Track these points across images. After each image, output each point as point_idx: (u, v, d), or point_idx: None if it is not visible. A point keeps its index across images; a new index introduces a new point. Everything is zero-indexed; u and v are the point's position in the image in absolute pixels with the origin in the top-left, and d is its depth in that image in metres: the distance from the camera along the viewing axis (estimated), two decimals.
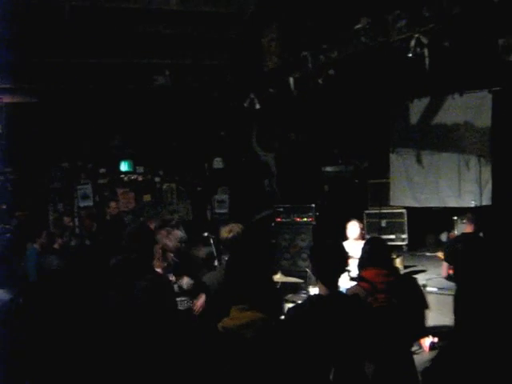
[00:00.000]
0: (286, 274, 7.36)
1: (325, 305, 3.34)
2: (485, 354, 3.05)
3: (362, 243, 7.24)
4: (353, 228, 7.36)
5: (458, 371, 3.12)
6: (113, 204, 9.93)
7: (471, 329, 3.35)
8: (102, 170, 11.47)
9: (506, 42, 6.37)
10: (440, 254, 7.13)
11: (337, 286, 3.47)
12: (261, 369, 3.12)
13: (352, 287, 4.41)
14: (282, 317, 3.80)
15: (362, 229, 7.50)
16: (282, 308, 5.61)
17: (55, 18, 7.57)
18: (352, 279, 5.57)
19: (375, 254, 4.48)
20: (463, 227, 7.70)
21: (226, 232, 4.69)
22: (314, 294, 3.62)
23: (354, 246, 7.16)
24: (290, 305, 5.73)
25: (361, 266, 4.50)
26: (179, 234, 6.10)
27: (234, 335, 3.19)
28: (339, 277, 3.49)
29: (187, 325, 4.68)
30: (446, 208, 9.69)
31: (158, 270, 5.00)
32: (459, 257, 5.89)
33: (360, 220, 7.91)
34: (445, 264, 6.54)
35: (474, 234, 6.42)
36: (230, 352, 3.15)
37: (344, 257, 3.55)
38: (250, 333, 3.18)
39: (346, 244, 7.29)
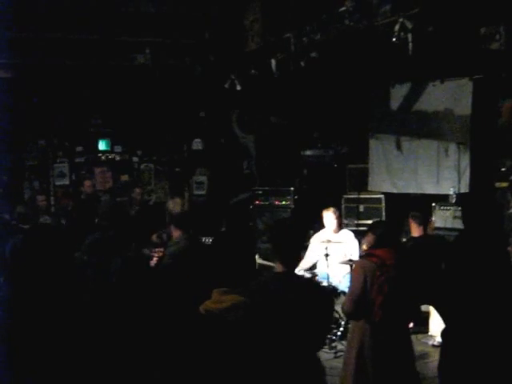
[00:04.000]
0: (263, 256, 7.34)
1: (281, 282, 3.33)
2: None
3: (341, 234, 7.19)
4: (328, 219, 7.14)
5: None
6: (87, 182, 9.80)
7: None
8: (79, 149, 11.30)
9: (488, 30, 6.39)
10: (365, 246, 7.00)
11: (294, 265, 3.50)
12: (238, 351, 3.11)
13: (360, 260, 4.53)
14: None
15: (338, 217, 7.22)
16: None
17: None
18: (361, 256, 5.66)
19: (387, 237, 4.63)
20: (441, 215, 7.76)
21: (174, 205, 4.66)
22: (271, 272, 3.64)
23: (332, 235, 7.07)
24: None
25: (372, 248, 4.62)
26: None
27: (217, 318, 3.18)
28: (297, 255, 3.53)
29: (165, 301, 4.65)
30: (424, 194, 9.74)
31: None
32: None
33: (337, 207, 7.73)
34: None
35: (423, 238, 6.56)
36: (213, 334, 3.14)
37: (301, 235, 3.58)
38: (232, 316, 3.17)
39: (324, 232, 7.21)
